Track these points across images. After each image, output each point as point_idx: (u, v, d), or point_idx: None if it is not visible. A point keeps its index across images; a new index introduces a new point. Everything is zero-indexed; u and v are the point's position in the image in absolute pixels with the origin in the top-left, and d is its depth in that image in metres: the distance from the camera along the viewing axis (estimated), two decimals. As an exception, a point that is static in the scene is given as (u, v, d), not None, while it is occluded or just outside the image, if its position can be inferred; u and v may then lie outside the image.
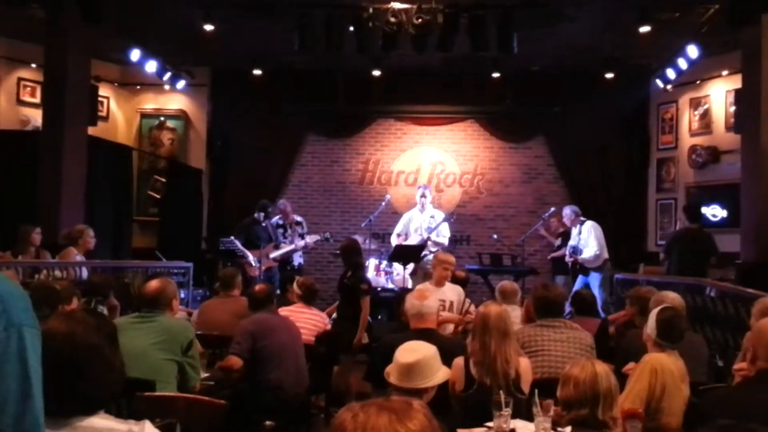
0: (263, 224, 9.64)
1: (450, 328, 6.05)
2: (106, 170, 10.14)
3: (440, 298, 5.86)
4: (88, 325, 1.98)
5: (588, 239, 9.42)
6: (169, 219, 11.40)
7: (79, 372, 1.87)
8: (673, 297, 4.78)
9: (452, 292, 6.26)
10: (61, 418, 1.82)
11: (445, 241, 9.69)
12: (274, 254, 9.52)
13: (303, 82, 11.90)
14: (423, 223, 9.66)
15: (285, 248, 9.66)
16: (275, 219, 9.98)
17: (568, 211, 9.84)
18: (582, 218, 9.73)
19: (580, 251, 9.45)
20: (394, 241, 9.87)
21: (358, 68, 11.10)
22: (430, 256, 9.35)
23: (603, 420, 2.74)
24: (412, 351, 3.41)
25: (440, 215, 9.82)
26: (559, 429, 3.12)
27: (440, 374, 3.40)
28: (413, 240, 9.60)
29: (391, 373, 3.39)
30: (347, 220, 12.27)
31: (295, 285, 6.17)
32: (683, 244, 8.60)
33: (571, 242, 9.64)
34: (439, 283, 6.24)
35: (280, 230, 9.94)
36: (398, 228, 10.01)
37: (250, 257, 9.31)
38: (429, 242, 9.49)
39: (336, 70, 11.61)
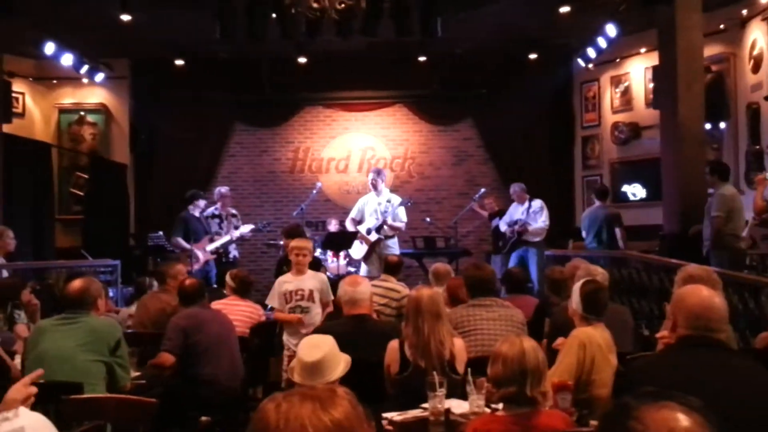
0: (197, 216, 9.37)
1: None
2: (23, 169, 9.76)
3: (297, 288, 5.58)
4: None
5: (541, 213, 9.56)
6: (93, 216, 11.04)
7: None
8: (602, 271, 4.90)
9: (313, 281, 5.66)
10: None
11: (402, 226, 9.38)
12: (210, 246, 9.27)
13: (227, 71, 11.69)
14: (379, 207, 9.41)
15: (222, 239, 9.40)
16: (210, 209, 9.67)
17: (516, 188, 9.90)
18: (527, 195, 9.85)
19: (529, 224, 9.51)
20: (349, 225, 9.59)
21: (282, 55, 10.97)
22: (388, 241, 9.27)
23: (531, 396, 2.78)
24: (314, 347, 3.40)
25: (397, 199, 9.52)
26: (492, 405, 3.16)
27: (341, 366, 3.39)
28: (369, 224, 9.33)
29: (295, 371, 3.36)
30: (279, 209, 12.16)
31: (228, 277, 6.07)
32: (597, 221, 9.04)
33: (517, 216, 9.70)
34: (298, 272, 5.66)
35: (216, 220, 9.58)
36: (353, 212, 9.59)
37: (198, 253, 9.01)
38: (385, 226, 9.25)
39: (260, 58, 11.44)
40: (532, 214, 9.58)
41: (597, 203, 9.28)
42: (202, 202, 9.43)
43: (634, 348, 4.49)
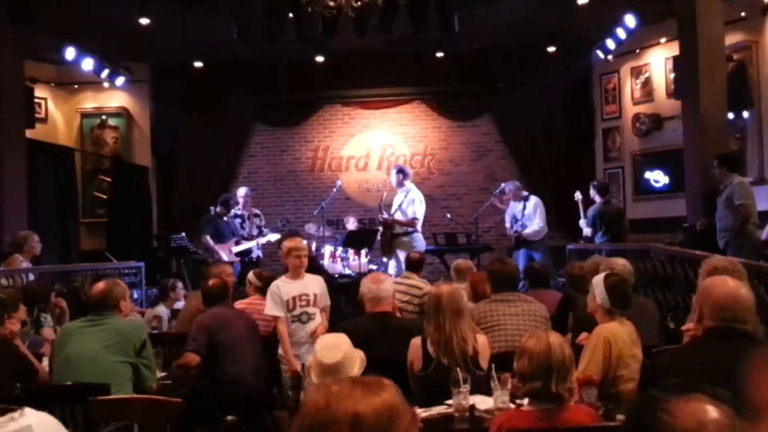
0: (224, 219, 9.55)
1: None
2: (47, 173, 9.88)
3: (302, 293, 5.06)
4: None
5: (533, 215, 9.49)
6: (117, 219, 11.17)
7: None
8: (622, 263, 4.86)
9: (314, 284, 5.17)
10: None
11: (406, 219, 9.21)
12: (236, 249, 9.41)
13: (246, 72, 11.73)
14: (396, 201, 9.41)
15: (248, 244, 9.56)
16: (234, 210, 9.82)
17: (511, 187, 9.85)
18: (525, 193, 9.79)
19: (524, 226, 9.51)
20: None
21: (300, 55, 10.99)
22: (408, 237, 9.15)
23: (557, 392, 2.75)
24: (332, 349, 3.39)
25: (414, 193, 9.45)
26: (518, 401, 3.14)
27: (357, 364, 3.42)
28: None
29: (313, 372, 3.38)
30: (300, 208, 12.20)
31: (252, 276, 6.09)
32: (607, 216, 9.01)
33: (516, 212, 9.66)
34: (295, 275, 5.12)
35: (238, 221, 9.77)
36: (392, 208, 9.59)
37: (223, 254, 9.19)
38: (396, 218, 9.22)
39: (278, 58, 11.46)
40: (527, 216, 9.51)
41: (600, 199, 9.17)
42: (232, 211, 9.63)
43: (660, 341, 4.45)
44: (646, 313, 4.51)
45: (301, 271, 5.11)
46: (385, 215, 9.26)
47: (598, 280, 3.79)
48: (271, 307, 5.03)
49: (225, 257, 9.13)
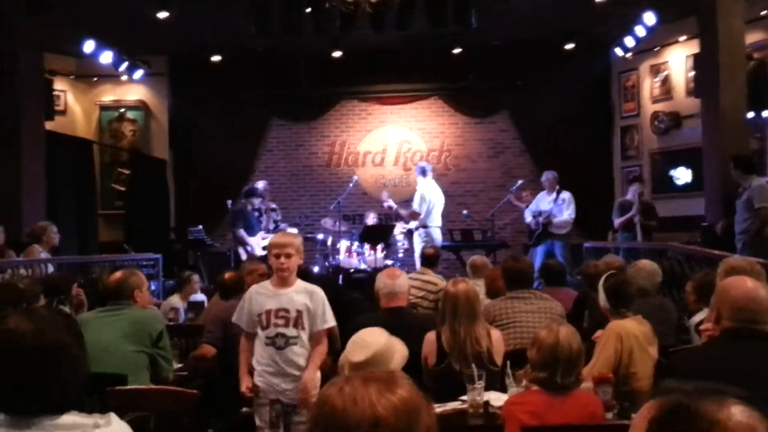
0: (250, 211, 9.61)
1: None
2: (66, 165, 9.96)
3: (280, 307, 3.76)
4: (55, 323, 1.94)
5: (567, 206, 9.52)
6: (135, 211, 11.25)
7: (48, 371, 1.83)
8: (616, 259, 4.90)
9: (303, 297, 3.81)
10: (29, 418, 1.78)
11: (409, 213, 9.69)
12: (263, 242, 9.40)
13: (263, 66, 11.77)
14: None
15: (271, 237, 9.60)
16: (256, 203, 9.88)
17: (549, 176, 9.90)
18: (558, 185, 9.81)
19: (554, 216, 9.51)
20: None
21: (318, 50, 11.01)
22: (423, 231, 9.44)
23: (561, 383, 2.85)
24: (361, 347, 3.13)
25: (421, 189, 9.81)
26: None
27: (396, 359, 3.12)
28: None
29: (344, 369, 3.22)
30: (316, 203, 12.23)
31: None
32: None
33: (543, 207, 9.67)
34: (279, 282, 3.82)
35: (255, 214, 9.82)
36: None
37: (256, 248, 9.22)
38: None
39: (296, 53, 11.48)
40: (558, 206, 9.52)
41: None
42: (257, 200, 9.66)
43: (677, 340, 4.43)
44: (666, 313, 4.50)
45: (285, 276, 3.81)
46: (391, 204, 9.39)
47: (600, 282, 3.86)
48: (237, 316, 3.91)
49: (257, 251, 9.14)
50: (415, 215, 9.56)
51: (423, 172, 9.75)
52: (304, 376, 3.73)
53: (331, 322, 3.85)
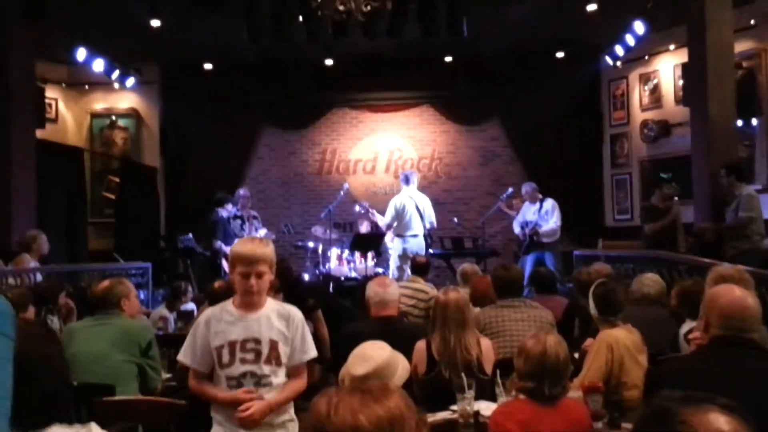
0: (226, 218, 9.47)
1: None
2: (57, 173, 9.92)
3: (248, 336, 2.91)
4: (41, 337, 1.93)
5: (551, 214, 9.53)
6: (125, 219, 11.22)
7: (36, 384, 1.82)
8: (604, 267, 4.94)
9: (276, 321, 2.96)
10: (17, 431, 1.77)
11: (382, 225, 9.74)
12: None
13: (255, 74, 11.78)
14: None
15: None
16: (232, 210, 9.71)
17: (528, 188, 9.90)
18: (540, 195, 9.82)
19: (539, 226, 9.53)
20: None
21: (310, 58, 11.03)
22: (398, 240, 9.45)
23: (549, 394, 2.83)
24: (363, 361, 2.93)
25: (393, 199, 9.84)
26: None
27: (399, 374, 2.98)
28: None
29: (345, 382, 3.03)
30: (307, 211, 12.22)
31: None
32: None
33: (529, 218, 9.69)
34: (247, 305, 2.95)
35: (237, 222, 9.68)
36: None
37: None
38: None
39: (288, 61, 11.50)
40: (543, 215, 9.54)
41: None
42: (230, 206, 9.53)
43: (672, 350, 4.44)
44: (659, 322, 4.50)
45: (254, 298, 2.94)
46: (367, 211, 9.88)
47: (590, 291, 3.88)
48: (184, 351, 3.04)
49: None
50: (379, 225, 9.74)
51: (406, 180, 9.77)
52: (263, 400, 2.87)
53: (311, 352, 3.01)
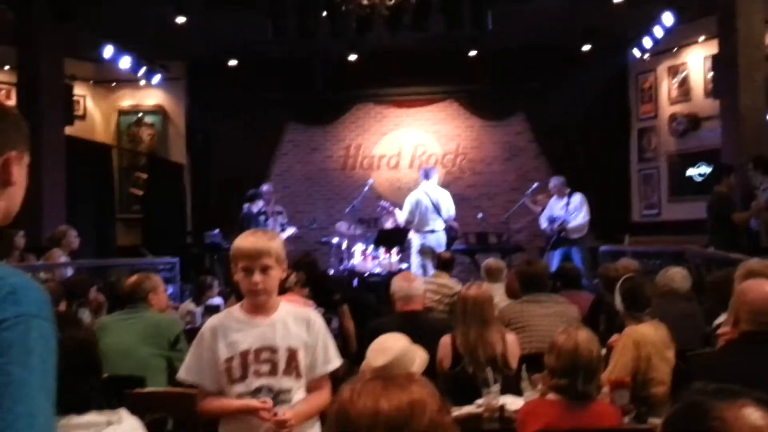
0: (255, 214, 9.61)
1: None
2: (85, 169, 10.07)
3: (262, 346, 2.53)
4: (78, 325, 1.98)
5: (579, 208, 9.45)
6: (152, 215, 11.35)
7: (78, 371, 1.86)
8: (631, 263, 4.90)
9: (294, 326, 2.59)
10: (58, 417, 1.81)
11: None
12: None
13: (280, 70, 11.80)
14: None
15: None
16: (262, 206, 9.85)
17: (557, 182, 9.82)
18: (567, 189, 9.75)
19: (567, 222, 9.46)
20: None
21: (334, 54, 11.04)
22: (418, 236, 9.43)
23: (583, 390, 2.77)
24: (381, 352, 2.90)
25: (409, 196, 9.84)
26: (548, 396, 3.14)
27: (417, 364, 2.95)
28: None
29: (366, 375, 3.20)
30: (331, 207, 12.24)
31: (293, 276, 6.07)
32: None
33: (556, 213, 9.61)
34: (255, 307, 2.58)
35: (262, 218, 9.80)
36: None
37: None
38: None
39: (312, 57, 11.52)
40: (571, 210, 9.45)
41: None
42: (260, 202, 9.67)
43: (700, 345, 4.39)
44: (688, 318, 4.46)
45: (261, 299, 2.56)
46: (389, 211, 9.86)
47: (617, 286, 3.85)
48: (186, 368, 2.67)
49: None
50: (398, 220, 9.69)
51: (425, 176, 9.73)
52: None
53: (335, 361, 2.66)
